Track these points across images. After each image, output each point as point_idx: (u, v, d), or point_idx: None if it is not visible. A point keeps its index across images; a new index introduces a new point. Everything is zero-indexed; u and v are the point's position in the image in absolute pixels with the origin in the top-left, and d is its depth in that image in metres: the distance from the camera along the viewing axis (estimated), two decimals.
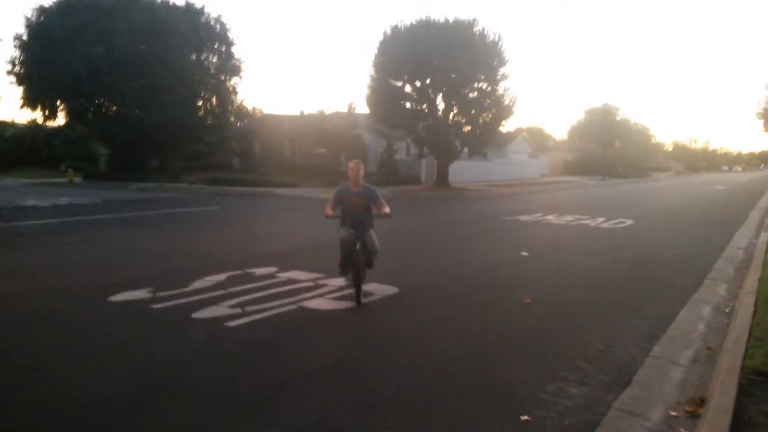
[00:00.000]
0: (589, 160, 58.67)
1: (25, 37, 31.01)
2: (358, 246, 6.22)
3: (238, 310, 5.84)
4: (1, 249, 9.83)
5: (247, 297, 6.38)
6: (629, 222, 15.29)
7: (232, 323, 5.43)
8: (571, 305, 6.42)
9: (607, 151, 54.34)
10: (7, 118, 46.10)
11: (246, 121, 41.69)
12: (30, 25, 30.88)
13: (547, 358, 4.68)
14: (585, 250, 10.53)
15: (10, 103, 69.51)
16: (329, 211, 6.33)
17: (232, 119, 36.94)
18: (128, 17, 29.09)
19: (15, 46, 31.27)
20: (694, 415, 3.63)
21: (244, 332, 5.20)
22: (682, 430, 3.44)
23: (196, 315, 5.67)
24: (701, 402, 3.78)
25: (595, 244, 11.34)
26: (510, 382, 4.17)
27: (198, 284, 6.96)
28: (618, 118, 62.77)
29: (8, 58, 32.14)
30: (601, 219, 15.85)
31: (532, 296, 6.68)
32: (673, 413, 3.68)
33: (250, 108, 44.92)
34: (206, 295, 6.41)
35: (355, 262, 6.20)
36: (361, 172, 6.30)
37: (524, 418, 3.57)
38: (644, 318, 5.93)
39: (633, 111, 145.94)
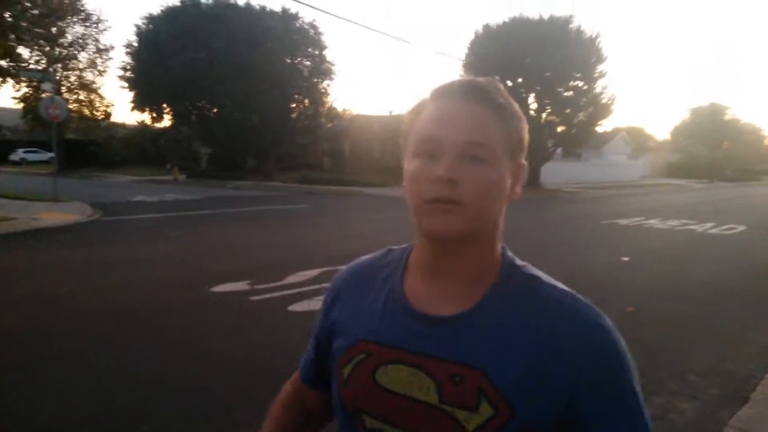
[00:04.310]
0: (693, 162, 55.04)
1: (135, 44, 33.35)
2: None
3: None
4: (112, 241, 10.58)
5: None
6: (741, 228, 14.18)
7: None
8: (679, 316, 6.01)
9: (715, 152, 50.73)
10: (119, 120, 49.90)
11: (336, 122, 42.63)
12: (140, 33, 33.15)
13: (653, 369, 4.39)
14: (692, 257, 9.85)
15: (123, 106, 75.19)
16: None
17: (323, 120, 37.87)
18: (228, 23, 30.50)
19: (126, 53, 33.74)
20: None
21: None
22: None
23: (291, 308, 5.83)
24: None
25: (703, 251, 10.58)
26: None
27: (292, 278, 7.15)
28: (726, 118, 58.51)
29: (120, 65, 34.78)
30: (709, 224, 14.80)
31: (635, 304, 6.31)
32: None
33: (340, 109, 45.96)
34: (300, 290, 6.57)
35: None
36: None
37: None
38: (763, 332, 5.45)
39: (744, 110, 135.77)
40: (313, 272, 7.55)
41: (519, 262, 0.88)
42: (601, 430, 0.76)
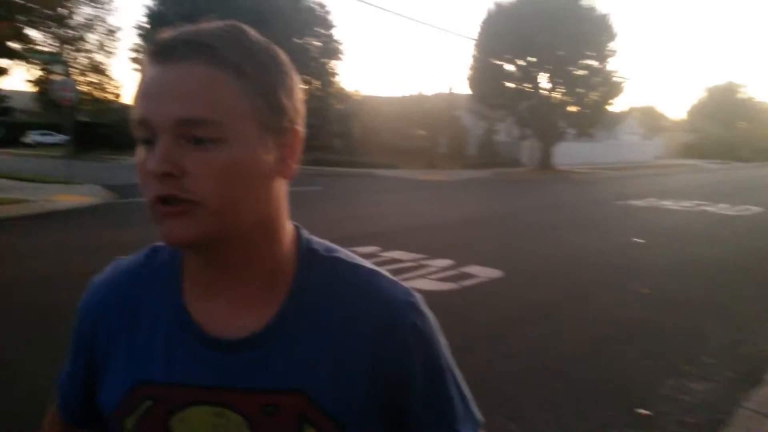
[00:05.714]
0: (709, 142, 54.40)
1: (145, 26, 33.29)
2: None
3: None
4: (127, 223, 10.60)
5: None
6: (756, 209, 14.04)
7: None
8: (693, 298, 5.97)
9: (730, 132, 50.09)
10: (132, 102, 49.85)
11: (346, 103, 42.50)
12: (150, 15, 33.06)
13: (666, 351, 4.39)
14: (706, 238, 9.78)
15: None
16: None
17: (332, 101, 37.75)
18: (236, 3, 30.35)
19: (138, 35, 33.73)
20: None
21: None
22: None
23: None
24: None
25: (718, 232, 10.50)
26: (626, 374, 3.94)
27: None
28: (741, 97, 57.67)
29: (132, 46, 34.73)
30: (724, 205, 14.69)
31: (650, 286, 6.28)
32: None
33: (350, 90, 45.81)
34: None
35: None
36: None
37: (643, 412, 3.37)
38: None
39: (759, 89, 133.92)
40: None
41: (317, 243, 0.73)
42: (431, 413, 0.69)
